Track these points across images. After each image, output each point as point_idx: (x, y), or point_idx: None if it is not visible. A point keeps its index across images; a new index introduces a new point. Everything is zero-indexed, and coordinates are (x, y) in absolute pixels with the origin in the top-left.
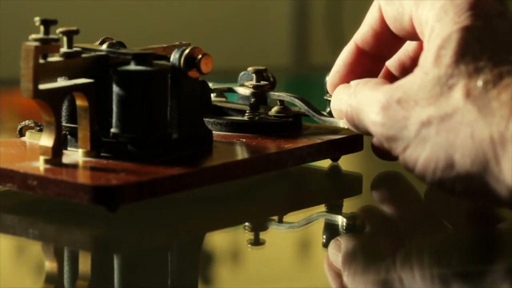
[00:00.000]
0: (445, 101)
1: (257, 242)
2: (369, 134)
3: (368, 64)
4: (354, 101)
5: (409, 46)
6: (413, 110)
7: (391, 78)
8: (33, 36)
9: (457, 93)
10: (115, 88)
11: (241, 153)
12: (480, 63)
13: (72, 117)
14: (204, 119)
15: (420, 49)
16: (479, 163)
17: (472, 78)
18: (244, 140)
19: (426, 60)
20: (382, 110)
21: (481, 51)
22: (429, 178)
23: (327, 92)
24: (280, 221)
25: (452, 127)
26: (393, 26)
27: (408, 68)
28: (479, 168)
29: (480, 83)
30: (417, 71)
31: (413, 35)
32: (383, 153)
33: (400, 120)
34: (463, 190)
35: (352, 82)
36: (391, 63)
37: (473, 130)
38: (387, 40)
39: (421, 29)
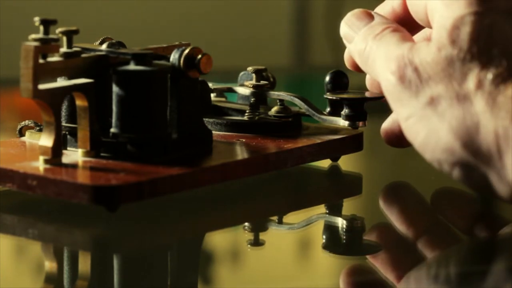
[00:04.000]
0: (458, 86)
1: (257, 242)
2: (374, 79)
3: None
4: (374, 45)
5: (428, 30)
6: (427, 83)
7: None
8: (33, 36)
9: (470, 82)
10: (115, 88)
11: (241, 153)
12: (493, 51)
13: (72, 117)
14: (204, 119)
15: None
16: (482, 156)
17: (484, 69)
18: (244, 140)
19: (440, 36)
20: (398, 71)
21: (493, 39)
22: (429, 156)
23: (327, 91)
24: (280, 221)
25: (458, 113)
26: (412, 11)
27: None
28: (481, 161)
29: (490, 76)
30: (432, 45)
31: (427, 23)
32: (392, 140)
33: (413, 87)
34: (462, 177)
35: (378, 18)
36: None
37: (479, 121)
38: (405, 23)
39: (432, 17)
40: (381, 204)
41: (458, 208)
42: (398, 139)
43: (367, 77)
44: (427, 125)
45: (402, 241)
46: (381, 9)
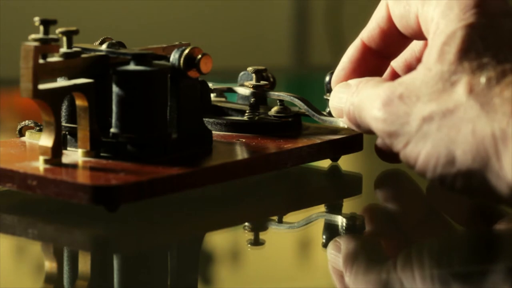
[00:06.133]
0: (447, 97)
1: (257, 242)
2: (370, 132)
3: (374, 62)
4: (356, 99)
5: (415, 47)
6: (415, 105)
7: (397, 78)
8: (33, 36)
9: (460, 89)
10: (115, 88)
11: (240, 153)
12: (484, 60)
13: (72, 117)
14: (204, 119)
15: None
16: (480, 160)
17: (476, 75)
18: (243, 140)
19: (429, 56)
20: (383, 106)
21: (485, 49)
22: (430, 174)
23: (327, 92)
24: (280, 221)
25: (453, 123)
26: (399, 24)
27: (414, 68)
28: (480, 164)
29: (483, 79)
30: (420, 68)
31: (418, 34)
32: (387, 155)
33: (402, 116)
34: (463, 187)
35: (352, 81)
36: (397, 64)
37: (475, 126)
38: (394, 38)
39: (426, 27)
40: (381, 202)
41: (453, 201)
42: (392, 155)
43: (377, 141)
44: (425, 145)
45: (401, 240)
46: (367, 29)
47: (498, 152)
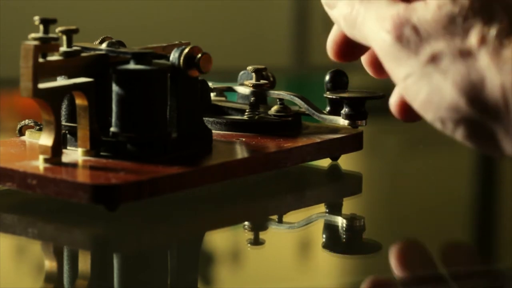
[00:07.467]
0: (459, 42)
1: (257, 242)
2: (361, 43)
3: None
4: (362, 7)
5: None
6: (426, 40)
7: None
8: (33, 35)
9: (473, 38)
10: (115, 87)
11: (240, 153)
12: (495, 7)
13: (72, 116)
14: (204, 118)
15: None
16: (489, 111)
17: (487, 25)
18: (243, 139)
19: None
20: (394, 29)
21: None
22: (431, 115)
23: (327, 91)
24: (280, 221)
25: (463, 70)
26: None
27: None
28: (488, 116)
29: (493, 31)
30: (431, 3)
31: None
32: (405, 112)
33: (412, 45)
34: (466, 136)
35: None
36: None
37: (484, 77)
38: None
39: None
40: (381, 203)
41: (453, 200)
42: (410, 111)
43: (364, 57)
44: (428, 83)
45: (401, 239)
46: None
47: (508, 106)
